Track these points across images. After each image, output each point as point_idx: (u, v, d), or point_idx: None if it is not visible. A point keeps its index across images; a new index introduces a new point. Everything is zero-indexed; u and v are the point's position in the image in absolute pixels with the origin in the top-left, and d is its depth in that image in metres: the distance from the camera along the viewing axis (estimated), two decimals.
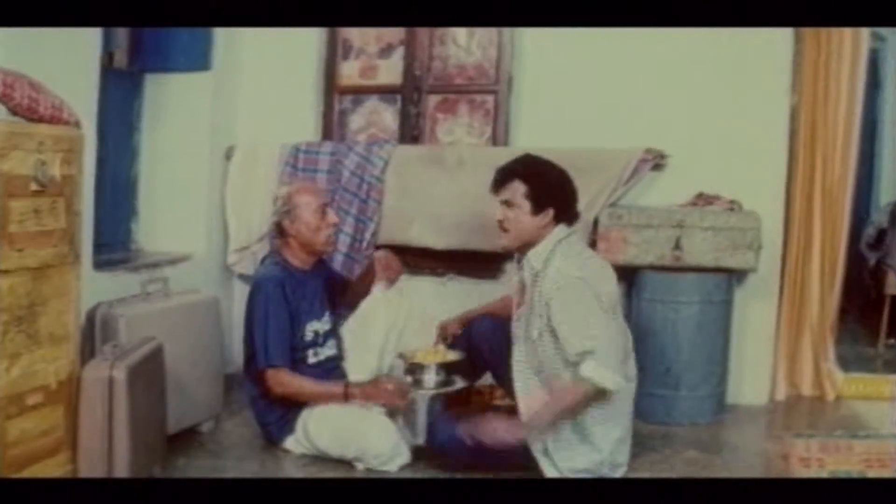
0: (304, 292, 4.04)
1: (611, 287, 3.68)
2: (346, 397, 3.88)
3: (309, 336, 4.04)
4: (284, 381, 3.89)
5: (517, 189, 3.68)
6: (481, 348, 4.08)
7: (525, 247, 3.72)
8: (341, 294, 4.32)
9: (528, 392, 3.68)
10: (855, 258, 5.88)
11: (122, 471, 3.32)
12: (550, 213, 3.66)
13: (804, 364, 5.04)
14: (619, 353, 3.59)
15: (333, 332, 4.18)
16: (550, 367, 3.62)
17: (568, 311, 3.53)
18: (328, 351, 4.12)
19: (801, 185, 4.92)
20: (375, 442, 3.79)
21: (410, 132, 5.29)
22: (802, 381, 5.05)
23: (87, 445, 3.34)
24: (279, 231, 4.07)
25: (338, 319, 4.24)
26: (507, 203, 3.70)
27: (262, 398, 4.02)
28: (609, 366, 3.47)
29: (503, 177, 3.73)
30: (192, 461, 3.90)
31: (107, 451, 3.32)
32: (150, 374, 3.58)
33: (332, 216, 4.10)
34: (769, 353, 4.95)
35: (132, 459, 3.35)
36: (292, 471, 3.86)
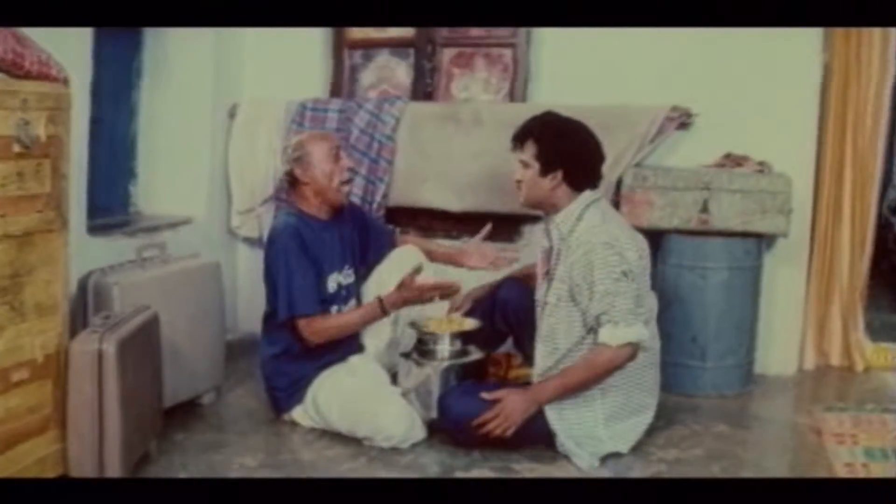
0: (322, 241, 3.89)
1: (636, 255, 3.53)
2: (383, 311, 3.82)
3: (332, 287, 3.90)
4: (319, 328, 3.78)
5: (530, 149, 3.61)
6: (507, 313, 3.97)
7: (538, 207, 3.70)
8: (378, 250, 4.18)
9: (546, 364, 3.60)
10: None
11: (113, 448, 3.17)
12: (559, 175, 3.57)
13: (833, 333, 4.90)
14: (641, 310, 3.48)
15: (355, 290, 4.03)
16: (563, 335, 3.55)
17: (589, 278, 3.44)
18: (345, 309, 3.97)
19: (831, 146, 4.75)
20: (388, 424, 3.63)
21: (424, 88, 5.11)
22: (831, 351, 4.91)
23: (76, 423, 3.17)
24: (291, 180, 3.93)
25: (359, 274, 4.09)
26: (523, 163, 3.63)
27: (273, 360, 3.88)
28: (627, 322, 3.41)
29: (520, 136, 3.65)
30: (190, 436, 3.74)
31: (97, 429, 3.16)
32: (143, 345, 3.42)
33: (345, 159, 3.96)
34: (798, 321, 4.80)
35: (124, 436, 3.19)
36: (297, 447, 3.70)
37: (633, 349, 3.45)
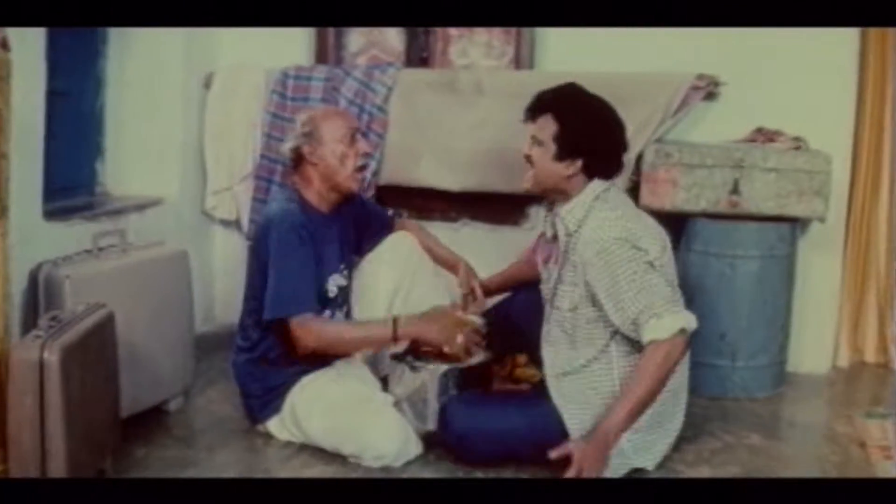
0: (323, 238, 3.50)
1: (658, 246, 3.19)
2: (395, 339, 3.33)
3: (332, 291, 3.53)
4: (315, 329, 3.29)
5: (547, 126, 3.24)
6: (520, 325, 3.61)
7: (547, 192, 3.37)
8: (373, 237, 3.82)
9: (556, 364, 3.26)
10: None
11: (58, 469, 2.79)
12: (578, 163, 3.21)
13: (868, 326, 4.62)
14: (678, 295, 3.16)
15: (348, 293, 3.67)
16: (586, 339, 3.20)
17: (611, 278, 3.08)
18: (341, 317, 3.62)
19: (870, 120, 4.43)
20: (379, 440, 3.25)
21: (418, 53, 4.79)
22: (866, 346, 4.63)
23: (16, 441, 2.80)
24: (297, 160, 3.53)
25: (353, 271, 3.74)
26: (535, 139, 3.26)
27: (247, 364, 3.50)
28: (670, 310, 3.03)
29: (536, 107, 3.28)
30: (151, 451, 3.35)
31: (39, 448, 2.78)
32: (95, 350, 3.03)
33: (363, 144, 3.60)
34: (833, 314, 4.51)
35: (71, 455, 2.81)
36: (273, 465, 3.33)
37: (686, 337, 3.06)
